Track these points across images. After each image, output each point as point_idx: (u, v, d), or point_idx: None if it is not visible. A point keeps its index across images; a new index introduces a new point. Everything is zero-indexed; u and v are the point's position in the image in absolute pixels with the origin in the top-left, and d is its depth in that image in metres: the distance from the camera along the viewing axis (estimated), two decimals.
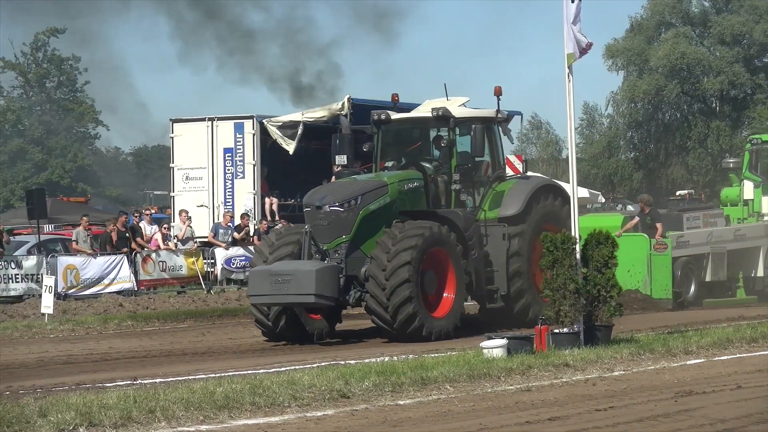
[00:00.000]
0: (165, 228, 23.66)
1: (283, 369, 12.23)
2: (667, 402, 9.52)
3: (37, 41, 56.68)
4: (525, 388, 10.57)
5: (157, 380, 11.58)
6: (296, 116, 21.64)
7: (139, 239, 23.00)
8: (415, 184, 16.28)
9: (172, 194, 23.43)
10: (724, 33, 48.87)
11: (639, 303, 18.67)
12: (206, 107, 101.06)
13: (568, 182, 14.07)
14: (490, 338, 12.25)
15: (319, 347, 15.31)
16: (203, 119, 21.98)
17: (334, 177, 17.88)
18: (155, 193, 46.02)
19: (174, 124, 22.78)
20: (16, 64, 58.43)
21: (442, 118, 16.39)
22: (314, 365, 12.47)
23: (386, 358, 12.37)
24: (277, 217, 22.28)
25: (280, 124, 21.43)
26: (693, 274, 20.11)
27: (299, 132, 21.10)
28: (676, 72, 48.90)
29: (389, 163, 16.88)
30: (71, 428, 8.40)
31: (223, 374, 11.59)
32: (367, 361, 12.28)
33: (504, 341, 12.04)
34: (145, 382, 11.44)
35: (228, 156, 21.39)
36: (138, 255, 22.35)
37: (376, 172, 16.68)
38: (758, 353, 12.87)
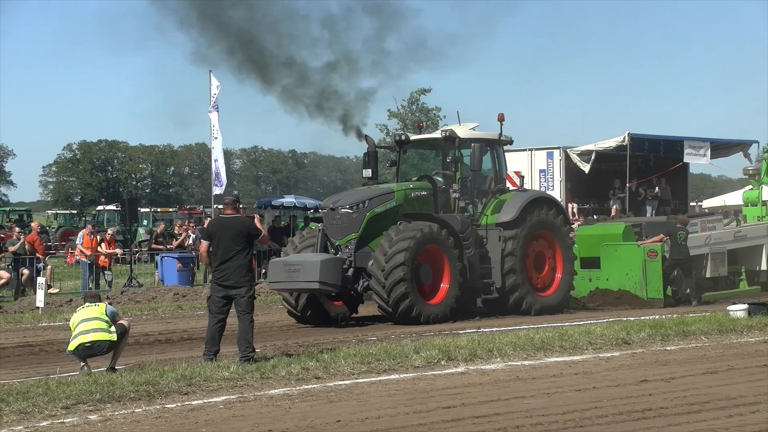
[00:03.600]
0: None
1: (582, 323, 16.08)
2: None
3: (411, 98, 77.53)
4: (762, 340, 13.90)
5: (494, 329, 15.76)
6: (590, 146, 27.59)
7: None
8: (423, 192, 18.58)
9: None
10: None
11: (633, 302, 20.33)
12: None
13: None
14: (734, 303, 15.66)
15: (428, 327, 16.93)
16: (524, 149, 28.12)
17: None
18: None
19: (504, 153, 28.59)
20: (397, 113, 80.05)
21: (449, 138, 18.96)
22: (604, 321, 16.40)
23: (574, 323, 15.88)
24: (576, 217, 27.36)
25: (579, 152, 27.57)
26: (690, 272, 21.20)
27: (592, 157, 27.16)
28: None
29: (414, 176, 19.34)
30: (435, 361, 11.70)
31: (539, 326, 15.48)
32: (642, 318, 16.20)
33: (746, 306, 15.70)
34: (485, 330, 15.62)
35: (542, 174, 26.91)
36: None
37: (396, 183, 18.97)
38: None
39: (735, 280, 22.81)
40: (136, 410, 9.21)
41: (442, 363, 11.66)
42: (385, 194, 18.02)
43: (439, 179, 19.22)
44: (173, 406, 9.42)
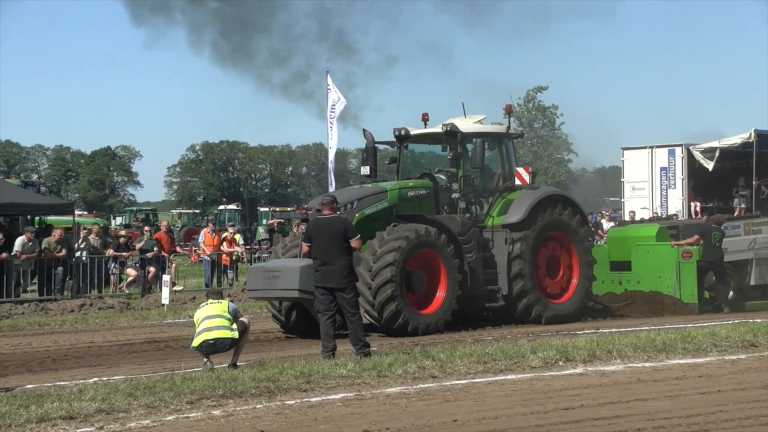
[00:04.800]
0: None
1: (705, 324, 15.69)
2: None
3: (528, 96, 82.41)
4: None
5: (613, 330, 15.50)
6: (714, 144, 26.35)
7: (600, 231, 28.65)
8: (422, 192, 16.99)
9: (622, 200, 29.18)
10: None
11: (666, 306, 19.08)
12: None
13: None
14: None
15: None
16: (645, 147, 27.61)
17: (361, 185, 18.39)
18: (609, 199, 56.89)
19: (624, 151, 28.40)
20: (513, 112, 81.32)
21: (451, 133, 17.28)
22: (728, 322, 15.79)
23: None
24: (699, 216, 26.35)
25: (702, 149, 26.45)
26: (732, 278, 20.08)
27: (716, 155, 25.86)
28: None
29: (417, 173, 17.76)
30: (552, 362, 11.45)
31: (660, 327, 15.14)
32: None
33: None
34: (604, 331, 15.39)
35: (663, 172, 26.85)
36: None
37: (397, 181, 17.50)
38: None
39: None
40: (257, 406, 9.39)
41: (560, 364, 11.53)
42: (377, 194, 16.51)
43: (442, 177, 17.71)
44: (293, 402, 9.57)
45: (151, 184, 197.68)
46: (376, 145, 17.97)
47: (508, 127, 18.02)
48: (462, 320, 16.70)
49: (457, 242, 16.42)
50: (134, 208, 72.49)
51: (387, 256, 15.47)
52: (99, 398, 9.39)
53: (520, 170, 18.23)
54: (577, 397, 9.63)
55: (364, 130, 17.78)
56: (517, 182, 18.23)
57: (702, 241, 19.48)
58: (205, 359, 11.99)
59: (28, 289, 23.30)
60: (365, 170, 17.71)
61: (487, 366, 11.29)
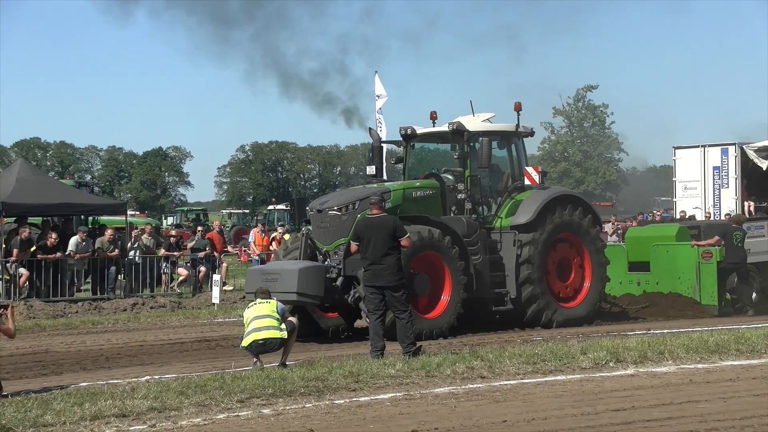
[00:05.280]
0: None
1: (732, 327, 15.61)
2: None
3: (577, 95, 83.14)
4: None
5: (664, 331, 15.35)
6: None
7: None
8: (428, 192, 16.49)
9: (674, 200, 28.80)
10: None
11: (686, 308, 18.49)
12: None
13: None
14: None
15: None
16: (697, 146, 27.31)
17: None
18: (661, 199, 58.11)
19: (676, 150, 28.09)
20: (563, 111, 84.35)
21: (457, 131, 16.75)
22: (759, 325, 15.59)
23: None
24: (753, 215, 26.02)
25: (756, 148, 26.12)
26: (755, 280, 19.38)
27: None
28: None
29: (424, 173, 17.21)
30: (603, 363, 11.47)
31: (712, 328, 14.97)
32: None
33: None
34: (655, 332, 15.25)
35: (716, 172, 26.67)
36: None
37: (402, 181, 16.97)
38: None
39: None
40: (306, 405, 9.44)
41: (611, 365, 11.43)
42: (380, 194, 15.64)
43: (449, 177, 17.12)
44: (341, 401, 9.60)
45: (202, 185, 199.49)
46: (382, 144, 17.54)
47: (517, 125, 17.34)
48: (469, 325, 16.17)
49: (462, 244, 15.96)
50: (185, 208, 73.23)
51: None
52: (151, 396, 9.51)
53: (530, 170, 17.46)
54: (628, 398, 9.53)
55: (370, 129, 17.23)
56: (527, 182, 17.51)
57: (723, 242, 18.86)
58: (255, 359, 12.08)
59: (81, 288, 23.66)
60: (371, 170, 17.25)
61: (537, 366, 11.22)
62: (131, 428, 8.57)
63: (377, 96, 27.49)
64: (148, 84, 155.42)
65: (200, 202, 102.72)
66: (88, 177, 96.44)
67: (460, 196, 16.82)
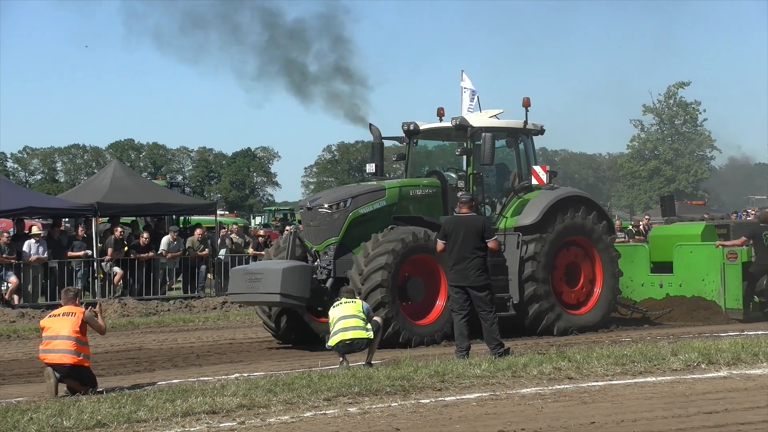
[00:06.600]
0: None
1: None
2: None
3: (669, 92, 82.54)
4: None
5: (759, 332, 14.99)
6: None
7: None
8: (429, 191, 15.83)
9: None
10: None
11: (710, 312, 17.39)
12: None
13: None
14: None
15: None
16: None
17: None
18: (756, 197, 58.44)
19: None
20: (653, 108, 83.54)
21: (461, 127, 15.93)
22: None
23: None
24: None
25: None
26: None
27: None
28: None
29: (424, 171, 16.58)
30: (694, 365, 11.20)
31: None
32: None
33: None
34: (749, 333, 14.84)
35: None
36: None
37: (400, 179, 16.33)
38: None
39: None
40: (392, 404, 9.47)
41: (703, 366, 11.21)
42: (373, 192, 15.29)
43: (452, 175, 16.37)
44: (427, 401, 9.61)
45: (289, 185, 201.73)
46: (383, 141, 16.73)
47: (525, 122, 16.50)
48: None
49: None
50: (273, 208, 74.10)
51: (379, 258, 14.25)
52: (240, 394, 9.65)
53: (537, 169, 16.54)
54: (721, 401, 9.33)
55: (370, 125, 16.59)
56: (534, 182, 16.53)
57: (751, 242, 17.57)
58: (341, 358, 12.18)
59: (173, 286, 24.18)
60: (370, 167, 16.49)
61: (626, 368, 11.05)
62: (221, 425, 8.72)
63: (472, 91, 27.32)
64: (237, 86, 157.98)
65: (287, 202, 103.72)
66: (180, 177, 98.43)
67: (460, 194, 16.09)
